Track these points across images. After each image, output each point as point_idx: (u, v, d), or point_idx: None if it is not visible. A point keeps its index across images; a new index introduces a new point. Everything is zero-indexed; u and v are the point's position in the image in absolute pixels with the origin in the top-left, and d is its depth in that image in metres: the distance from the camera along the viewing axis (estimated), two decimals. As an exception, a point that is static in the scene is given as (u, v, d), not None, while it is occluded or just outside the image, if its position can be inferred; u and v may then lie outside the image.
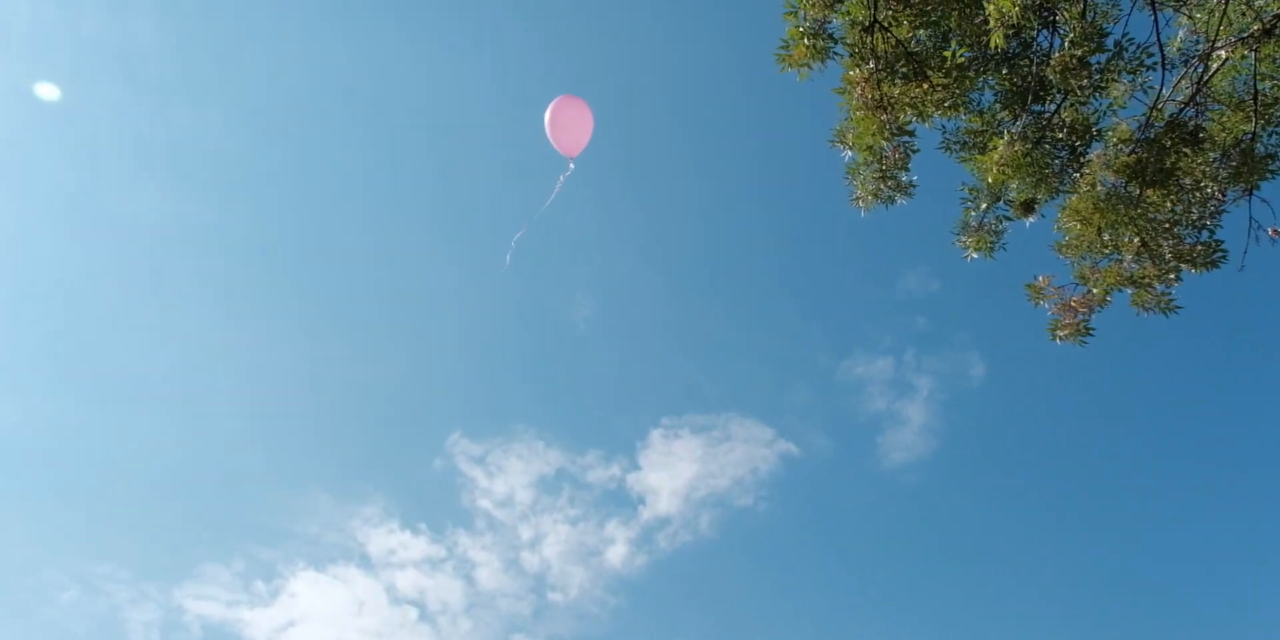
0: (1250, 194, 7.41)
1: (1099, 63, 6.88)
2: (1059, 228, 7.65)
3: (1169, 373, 25.31)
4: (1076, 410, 26.38)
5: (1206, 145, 7.29)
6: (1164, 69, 7.25)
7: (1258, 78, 7.22)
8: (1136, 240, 7.37)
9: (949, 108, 6.83)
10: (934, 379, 25.78)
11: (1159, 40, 7.07)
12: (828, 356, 26.73)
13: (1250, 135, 7.31)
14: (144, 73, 22.74)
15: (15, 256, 25.38)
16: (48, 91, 20.92)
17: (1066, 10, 6.78)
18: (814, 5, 6.65)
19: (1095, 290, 7.57)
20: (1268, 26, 6.97)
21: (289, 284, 27.26)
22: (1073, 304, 7.65)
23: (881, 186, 7.46)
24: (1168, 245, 7.33)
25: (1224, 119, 7.39)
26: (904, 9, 6.54)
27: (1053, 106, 7.30)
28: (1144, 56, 7.06)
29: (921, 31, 6.80)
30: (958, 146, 7.56)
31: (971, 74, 6.93)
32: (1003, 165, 7.06)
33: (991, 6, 6.21)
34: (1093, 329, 7.60)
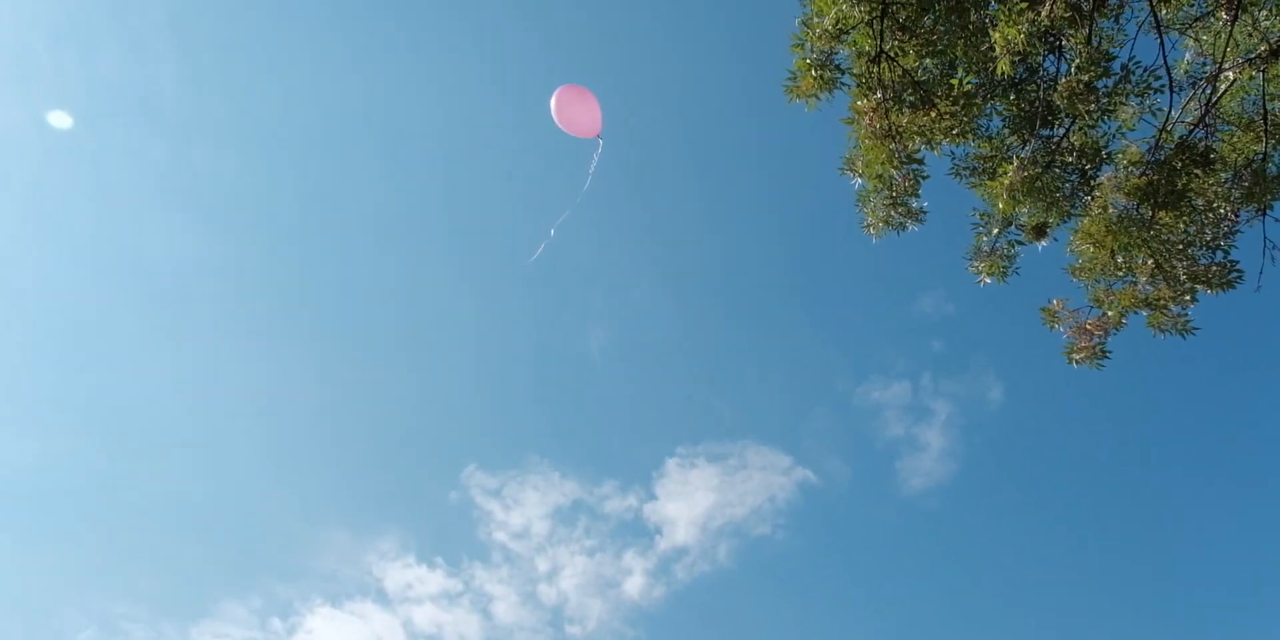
0: (1264, 214, 7.39)
1: (1106, 87, 6.90)
2: (1072, 251, 7.64)
3: (1189, 393, 25.00)
4: (1097, 432, 26.08)
5: (1217, 166, 7.29)
6: (1172, 91, 7.26)
7: (1267, 98, 7.23)
8: (1150, 262, 7.36)
9: (957, 135, 6.86)
10: (952, 403, 25.56)
11: (1165, 63, 7.10)
12: (844, 381, 26.55)
13: (1261, 155, 7.31)
14: (162, 112, 23.08)
15: (35, 294, 25.68)
16: (59, 119, 21.19)
17: (1072, 36, 6.81)
18: (820, 37, 6.71)
19: (1110, 313, 7.55)
20: (1275, 47, 6.99)
21: (303, 320, 27.40)
22: (1088, 327, 7.63)
23: (892, 213, 7.48)
24: (1182, 266, 7.31)
25: (1234, 139, 7.39)
26: (910, 39, 6.59)
27: (1061, 130, 7.32)
28: (1151, 79, 7.07)
29: (928, 60, 6.85)
30: (967, 172, 7.58)
31: (979, 101, 6.97)
32: (1013, 190, 7.07)
33: (997, 34, 6.25)
34: (1109, 352, 7.57)
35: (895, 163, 6.98)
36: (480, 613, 25.64)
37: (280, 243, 26.12)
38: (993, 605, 25.91)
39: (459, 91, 23.65)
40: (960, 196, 7.86)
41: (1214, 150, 7.27)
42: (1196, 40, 7.50)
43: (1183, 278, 7.29)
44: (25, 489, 26.03)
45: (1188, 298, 7.32)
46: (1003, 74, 6.64)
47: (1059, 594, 25.77)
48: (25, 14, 21.44)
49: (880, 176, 7.15)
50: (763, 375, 27.61)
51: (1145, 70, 7.08)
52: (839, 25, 6.61)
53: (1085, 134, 7.30)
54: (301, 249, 26.12)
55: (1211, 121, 7.42)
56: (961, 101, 6.80)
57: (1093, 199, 7.43)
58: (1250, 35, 7.21)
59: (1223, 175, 7.38)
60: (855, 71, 6.87)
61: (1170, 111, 7.33)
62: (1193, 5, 7.42)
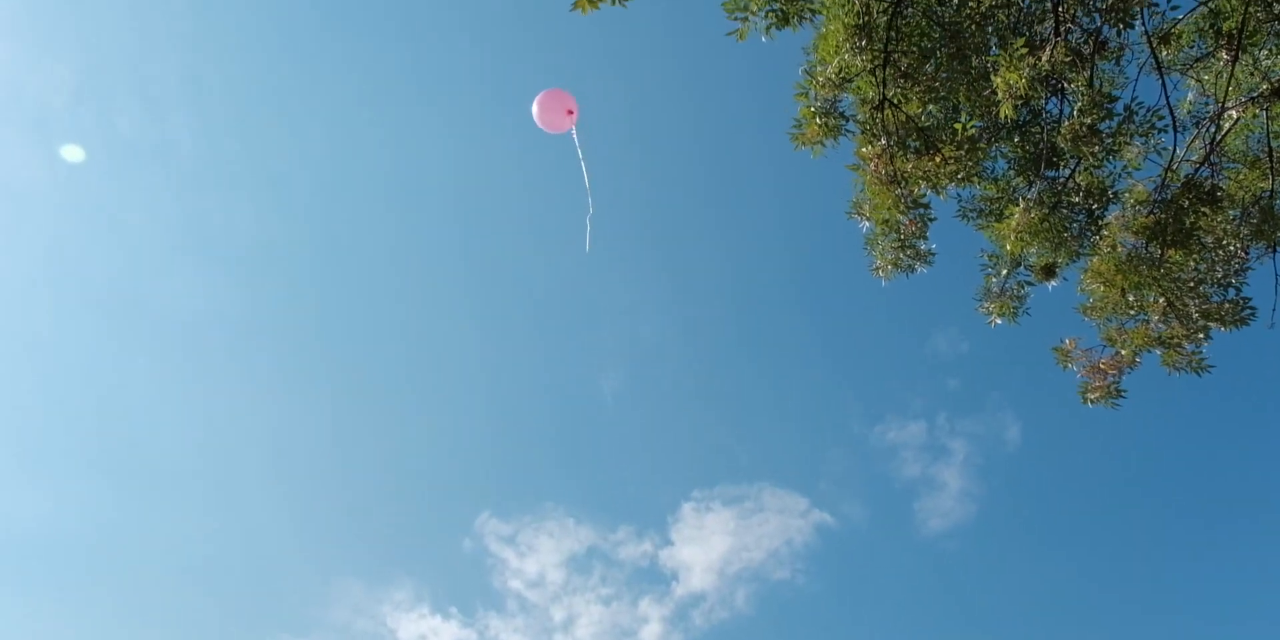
0: (1274, 250, 7.39)
1: (1110, 128, 6.95)
2: (1083, 290, 7.64)
3: (1206, 431, 24.72)
4: (1116, 469, 25.76)
5: (1225, 204, 7.31)
6: (1176, 131, 7.30)
7: (1271, 136, 7.26)
8: (1162, 301, 7.35)
9: (962, 179, 6.90)
10: (969, 442, 25.30)
11: (1169, 103, 7.14)
12: (859, 422, 26.33)
13: (1269, 192, 7.33)
14: (179, 163, 23.45)
15: (47, 345, 25.89)
16: (73, 153, 21.39)
17: (1074, 79, 6.88)
18: (824, 85, 6.79)
19: (1124, 352, 7.52)
20: (1276, 86, 7.03)
21: (316, 368, 27.49)
22: (1102, 366, 7.59)
23: (901, 256, 7.51)
24: (1194, 304, 7.30)
25: (1240, 177, 7.42)
26: (912, 86, 6.66)
27: (1067, 171, 7.36)
28: (1155, 119, 7.10)
29: (931, 106, 6.92)
30: (974, 214, 7.62)
31: (983, 145, 7.02)
32: (1020, 232, 7.10)
33: (999, 79, 6.31)
34: (1124, 391, 7.53)
35: (901, 207, 7.02)
36: (496, 663, 25.32)
37: (292, 290, 26.30)
38: (1018, 644, 25.43)
39: (473, 140, 23.93)
40: (969, 234, 7.90)
41: (1220, 188, 7.29)
42: (1198, 80, 7.56)
43: (1195, 315, 7.27)
44: (35, 543, 26.01)
45: (1201, 336, 7.29)
46: (1006, 118, 6.69)
47: (1082, 635, 25.30)
48: (43, 67, 21.90)
49: (887, 221, 7.20)
50: (777, 417, 27.43)
51: (1148, 111, 7.12)
52: (842, 74, 6.69)
53: (1091, 174, 7.33)
54: (315, 296, 26.30)
55: (1217, 160, 7.45)
56: (966, 146, 6.85)
57: (1101, 238, 7.44)
58: (1251, 74, 7.27)
59: (1231, 213, 7.39)
60: (859, 118, 6.94)
61: (1175, 151, 7.37)
62: (1193, 46, 7.50)
